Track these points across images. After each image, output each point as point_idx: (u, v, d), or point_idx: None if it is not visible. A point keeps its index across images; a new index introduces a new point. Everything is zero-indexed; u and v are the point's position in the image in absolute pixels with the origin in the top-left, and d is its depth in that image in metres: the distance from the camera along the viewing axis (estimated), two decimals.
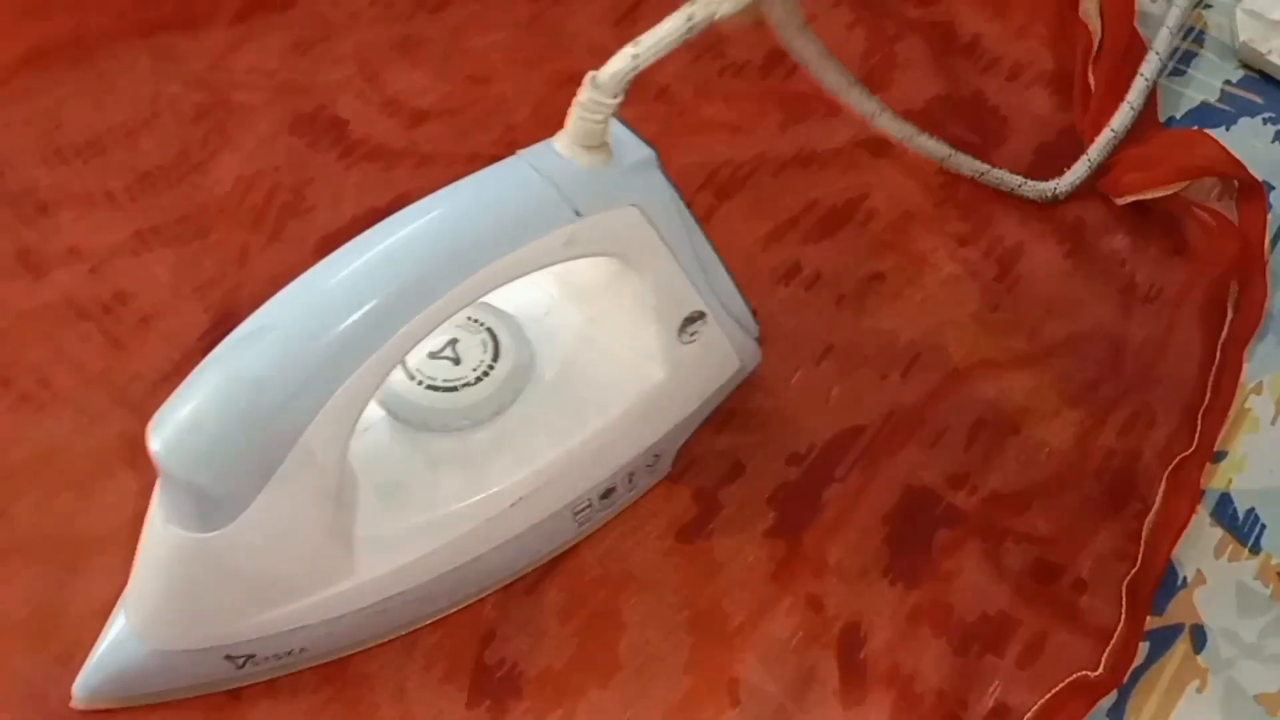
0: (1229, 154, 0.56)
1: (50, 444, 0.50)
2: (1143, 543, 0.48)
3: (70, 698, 0.42)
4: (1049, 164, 0.60)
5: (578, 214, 0.39)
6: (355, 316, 0.36)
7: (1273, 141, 0.61)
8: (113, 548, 0.47)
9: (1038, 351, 0.54)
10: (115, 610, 0.42)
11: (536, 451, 0.44)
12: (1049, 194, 0.58)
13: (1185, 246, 0.58)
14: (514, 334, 0.45)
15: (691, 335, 0.45)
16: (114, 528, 0.48)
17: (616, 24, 0.67)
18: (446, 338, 0.45)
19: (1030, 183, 0.58)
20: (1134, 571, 0.47)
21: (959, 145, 0.60)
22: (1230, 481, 0.50)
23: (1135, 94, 0.60)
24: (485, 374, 0.44)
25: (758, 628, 0.46)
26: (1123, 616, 0.45)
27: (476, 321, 0.45)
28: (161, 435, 0.36)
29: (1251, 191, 0.56)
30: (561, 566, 0.47)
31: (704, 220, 0.57)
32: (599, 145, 0.39)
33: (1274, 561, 0.48)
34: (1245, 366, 0.53)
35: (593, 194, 0.39)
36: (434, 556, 0.43)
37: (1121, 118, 0.60)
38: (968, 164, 0.58)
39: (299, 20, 0.67)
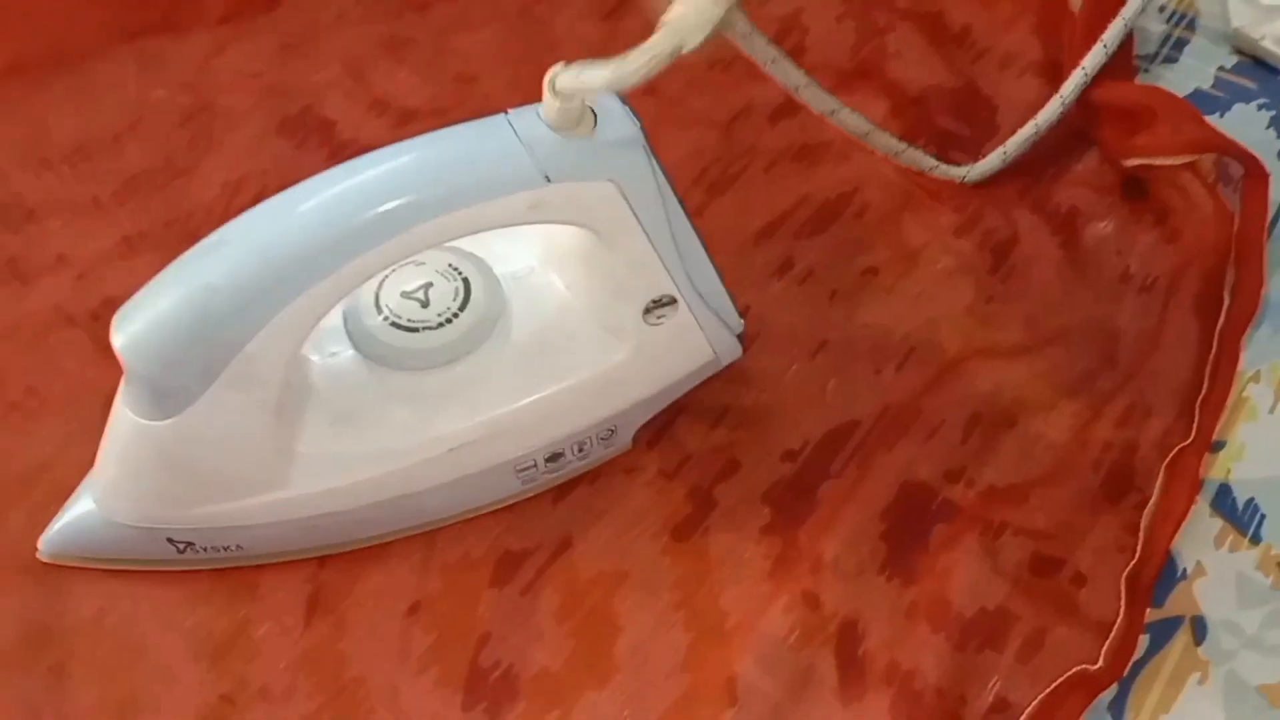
0: (1223, 134, 0.55)
1: (40, 455, 0.50)
2: (1141, 534, 0.47)
3: (37, 550, 0.46)
4: (1042, 154, 0.59)
5: (547, 179, 0.40)
6: (310, 241, 0.38)
7: (1267, 128, 0.61)
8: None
9: (1033, 343, 0.53)
10: (84, 480, 0.45)
11: (483, 404, 0.45)
12: (960, 177, 0.58)
13: (1178, 235, 0.57)
14: (489, 288, 0.46)
15: (659, 318, 0.45)
16: None
17: (605, 18, 0.67)
18: (423, 281, 0.46)
19: (943, 166, 0.58)
20: (1133, 563, 0.46)
21: (950, 138, 0.60)
22: (1229, 471, 0.50)
23: (1111, 34, 0.58)
24: (449, 320, 0.45)
25: (755, 626, 0.46)
26: (1122, 609, 0.45)
27: (455, 269, 0.46)
28: (123, 329, 0.39)
29: (1255, 175, 0.56)
30: (556, 565, 0.47)
31: (695, 215, 0.57)
32: (580, 120, 0.40)
33: (1274, 551, 0.47)
34: (1242, 355, 0.53)
35: (566, 162, 0.40)
36: (368, 485, 0.44)
37: (1094, 57, 0.57)
38: (884, 141, 0.57)
39: (285, 21, 0.67)
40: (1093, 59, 0.58)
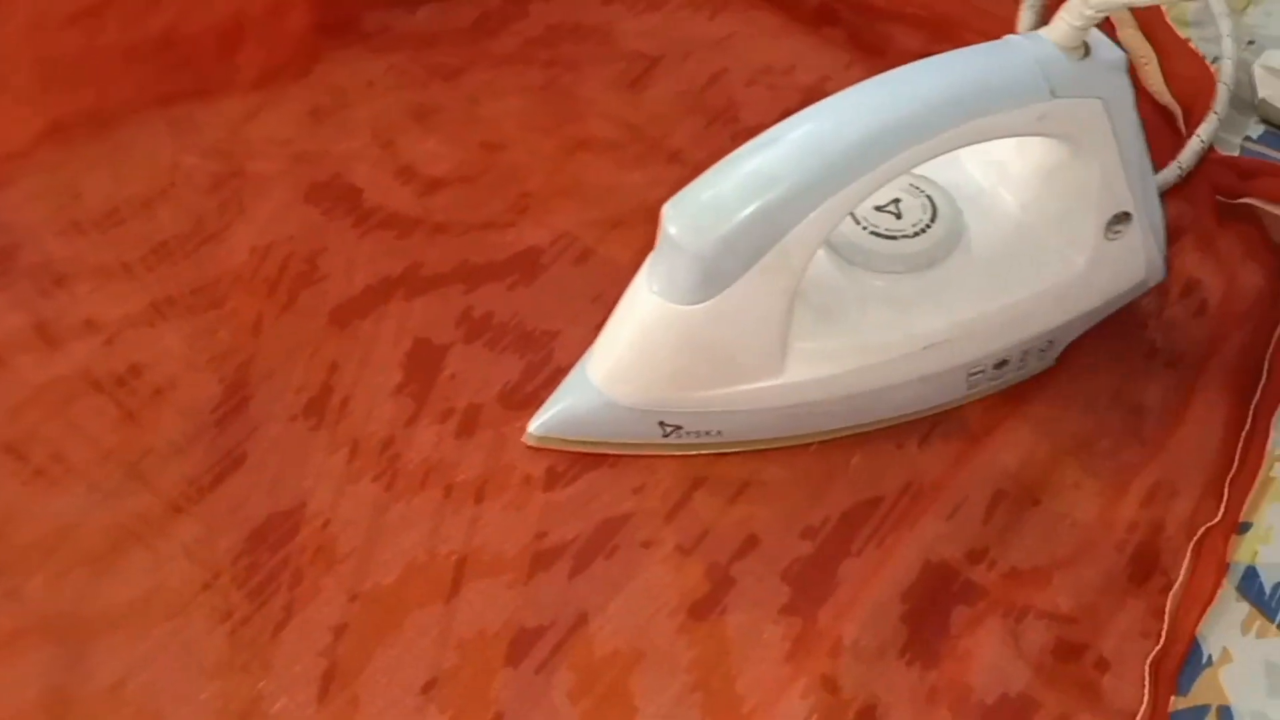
0: None
1: (63, 520, 0.50)
2: (1167, 619, 0.46)
3: (523, 433, 0.51)
4: None
5: (1053, 94, 0.45)
6: (860, 138, 0.43)
7: None
8: (126, 626, 0.47)
9: (1058, 418, 0.53)
10: (580, 361, 0.50)
11: (953, 307, 0.49)
12: None
13: (1205, 308, 0.57)
14: (950, 205, 0.51)
15: (1115, 233, 0.49)
16: (127, 605, 0.48)
17: (629, 88, 0.68)
18: (891, 195, 0.50)
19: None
20: (1157, 649, 0.46)
21: None
22: (1256, 554, 0.49)
23: (1187, 154, 0.61)
24: (923, 230, 0.50)
25: (773, 710, 0.45)
26: (1146, 697, 0.44)
27: (918, 189, 0.51)
28: (680, 209, 0.44)
29: None
30: (571, 642, 0.47)
31: None
32: (1079, 44, 0.45)
33: None
34: (1273, 433, 0.52)
35: (1069, 80, 0.45)
36: (848, 377, 0.49)
37: (1167, 174, 0.60)
38: None
39: (315, 88, 0.68)
40: (1206, 127, 0.61)
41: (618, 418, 0.49)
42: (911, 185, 0.51)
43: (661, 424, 0.49)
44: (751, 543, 0.49)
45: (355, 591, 0.48)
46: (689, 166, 0.63)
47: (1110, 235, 0.49)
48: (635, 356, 0.47)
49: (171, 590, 0.48)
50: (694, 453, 0.50)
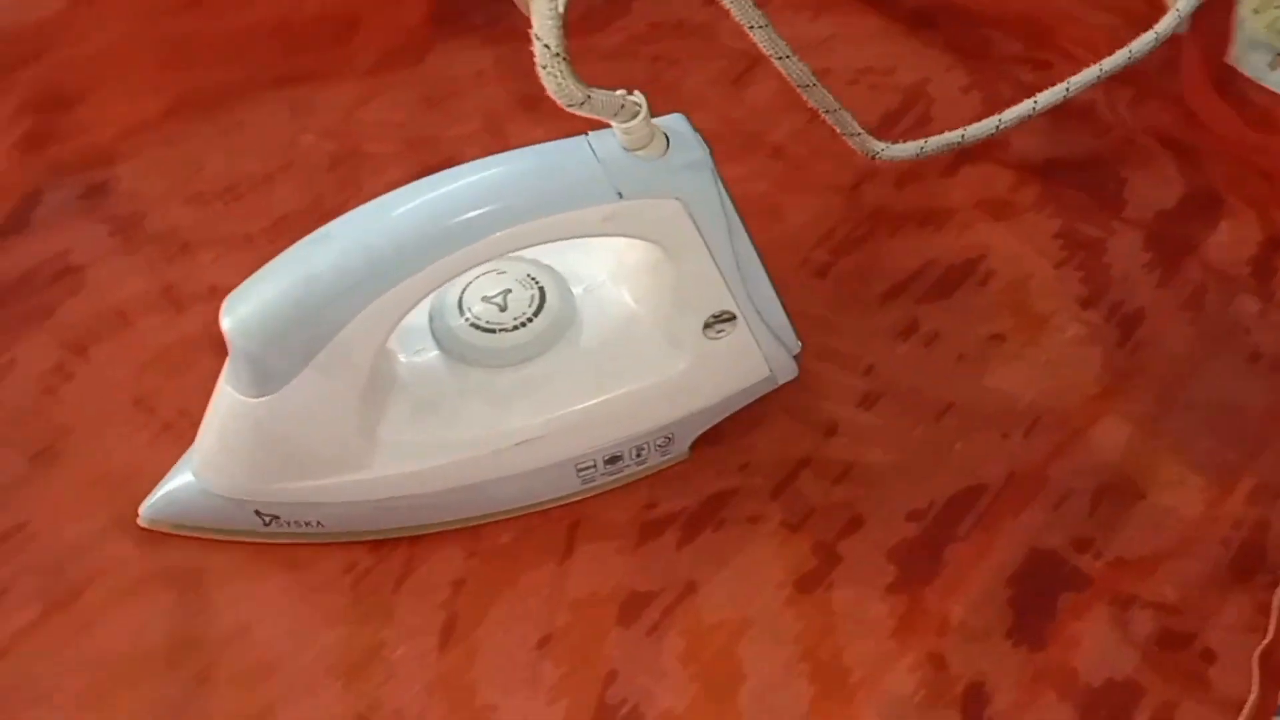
0: None
1: None
2: (1274, 614, 0.47)
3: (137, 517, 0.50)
4: (1173, 232, 0.59)
5: (620, 195, 0.43)
6: (405, 240, 0.43)
7: None
8: (249, 575, 0.49)
9: (1161, 416, 0.53)
10: (184, 455, 0.49)
11: (550, 402, 0.48)
12: (870, 151, 0.59)
13: None
14: (563, 297, 0.49)
15: (718, 333, 0.48)
16: (252, 554, 0.50)
17: (732, 84, 0.69)
18: (502, 287, 0.49)
19: (863, 135, 0.59)
20: (1265, 643, 0.46)
21: (1076, 209, 0.61)
22: None
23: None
24: (524, 324, 0.49)
25: (880, 683, 0.46)
26: (1255, 688, 0.45)
27: (533, 279, 0.50)
28: (232, 311, 0.43)
29: None
30: (681, 608, 0.48)
31: (819, 275, 0.59)
32: (649, 138, 0.43)
33: None
34: None
35: (637, 180, 0.44)
36: (439, 471, 0.48)
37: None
38: (820, 96, 0.57)
39: (428, 76, 0.70)
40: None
41: (215, 506, 0.48)
42: (529, 276, 0.50)
43: (258, 513, 0.48)
44: (856, 523, 0.50)
45: (473, 549, 0.50)
46: (791, 162, 0.64)
47: (713, 335, 0.48)
48: (218, 445, 0.47)
49: (298, 542, 0.50)
50: (299, 542, 0.49)
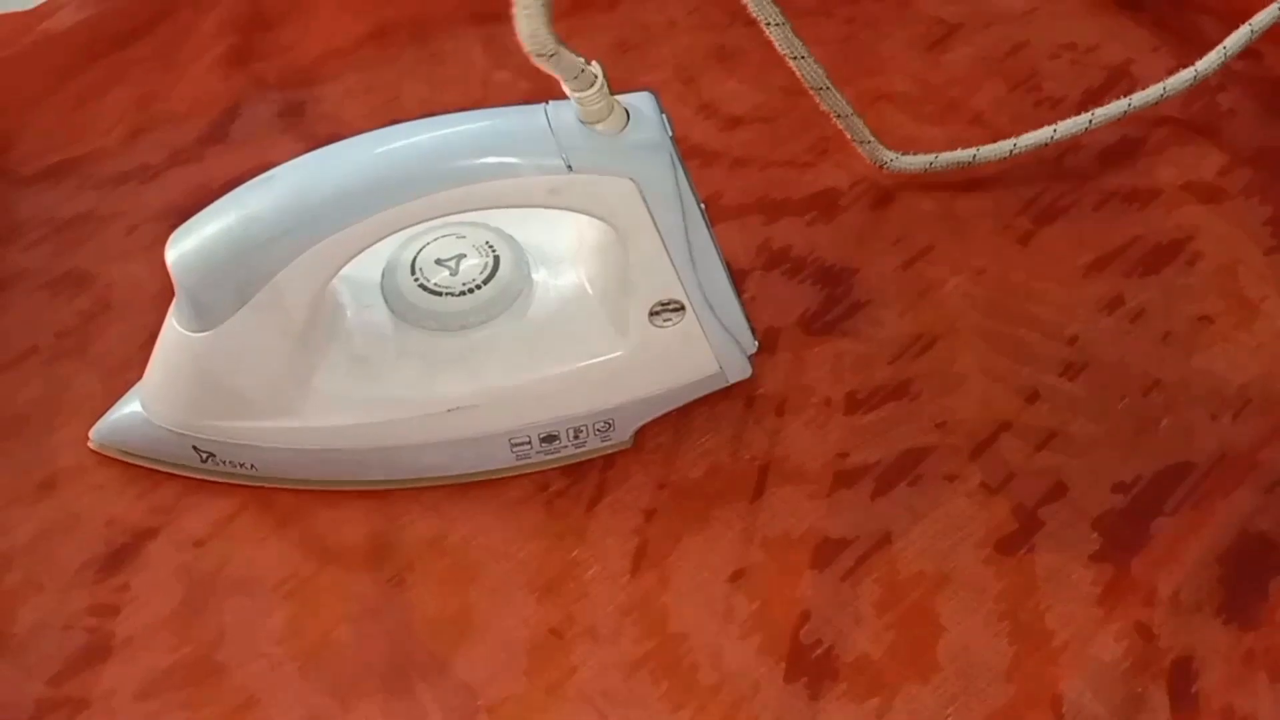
0: None
1: None
2: None
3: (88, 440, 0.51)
4: None
5: (569, 167, 0.42)
6: (344, 188, 0.42)
7: None
8: (443, 488, 0.50)
9: None
10: (135, 386, 0.49)
11: (485, 373, 0.47)
12: (880, 161, 0.59)
13: None
14: (516, 268, 0.49)
15: (665, 321, 0.47)
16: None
17: (929, 49, 0.68)
18: (457, 252, 0.49)
19: (874, 144, 0.58)
20: None
21: None
22: None
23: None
24: (471, 290, 0.48)
25: (1084, 648, 0.45)
26: None
27: (490, 246, 0.49)
28: (174, 246, 0.43)
29: None
30: (876, 557, 0.47)
31: (1021, 242, 0.57)
32: (607, 113, 0.42)
33: None
34: None
35: (588, 154, 0.42)
36: (370, 429, 0.47)
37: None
38: (834, 101, 0.56)
39: (620, 22, 0.70)
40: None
41: (157, 436, 0.48)
42: (486, 243, 0.49)
43: (196, 449, 0.48)
44: (1059, 490, 0.49)
45: (663, 481, 0.50)
46: (991, 129, 0.63)
47: (659, 323, 0.46)
48: (160, 377, 0.47)
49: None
50: (234, 482, 0.49)
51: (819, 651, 0.45)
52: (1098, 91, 0.65)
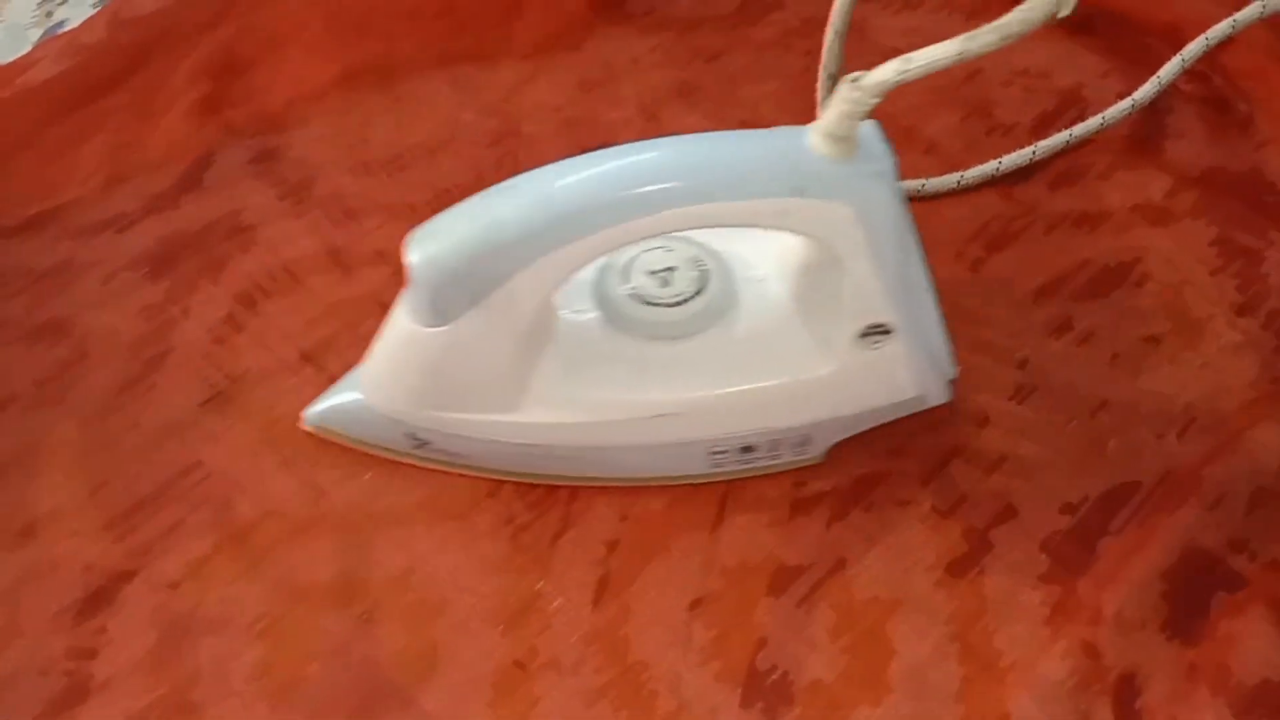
0: None
1: None
2: None
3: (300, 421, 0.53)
4: None
5: (799, 193, 0.44)
6: (586, 201, 0.44)
7: None
8: (413, 523, 0.51)
9: None
10: (350, 371, 0.52)
11: (693, 381, 0.49)
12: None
13: None
14: (724, 283, 0.50)
15: (873, 344, 0.48)
16: (415, 505, 0.52)
17: None
18: (668, 264, 0.51)
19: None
20: None
21: (1234, 219, 0.60)
22: None
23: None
24: (683, 302, 0.50)
25: (1032, 667, 0.46)
26: None
27: (698, 261, 0.51)
28: (419, 245, 0.45)
29: None
30: (830, 583, 0.49)
31: (973, 269, 0.59)
32: (843, 140, 0.43)
33: None
34: None
35: (818, 181, 0.44)
36: (578, 428, 0.49)
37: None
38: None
39: (585, 62, 0.72)
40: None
41: (374, 421, 0.51)
42: (695, 258, 0.51)
43: (411, 436, 0.50)
44: (1009, 512, 0.51)
45: (625, 513, 0.51)
46: (942, 157, 0.65)
47: (866, 345, 0.48)
48: (385, 367, 0.50)
49: (458, 494, 0.52)
50: (442, 468, 0.52)
51: (774, 677, 0.46)
52: (1050, 116, 0.67)
